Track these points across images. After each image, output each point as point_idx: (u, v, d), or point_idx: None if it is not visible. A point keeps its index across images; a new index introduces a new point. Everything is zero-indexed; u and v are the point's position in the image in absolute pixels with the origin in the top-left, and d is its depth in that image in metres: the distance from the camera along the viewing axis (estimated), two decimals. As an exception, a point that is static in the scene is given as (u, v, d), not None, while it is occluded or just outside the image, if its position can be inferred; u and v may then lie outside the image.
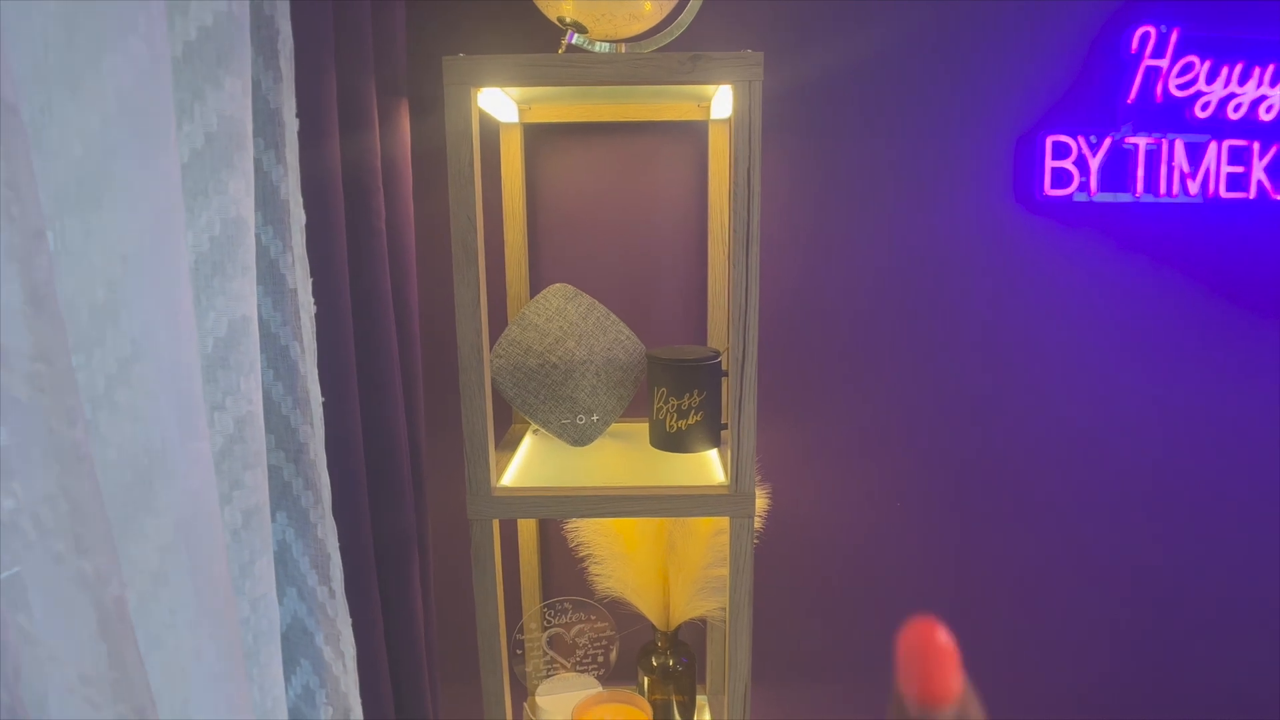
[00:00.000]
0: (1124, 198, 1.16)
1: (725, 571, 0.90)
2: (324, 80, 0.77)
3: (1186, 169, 1.15)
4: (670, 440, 0.99)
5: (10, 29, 0.41)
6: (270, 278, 0.71)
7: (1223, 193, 1.16)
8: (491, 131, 1.11)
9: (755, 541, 0.90)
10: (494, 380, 1.01)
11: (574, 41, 0.91)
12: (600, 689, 1.13)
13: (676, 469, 0.97)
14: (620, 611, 1.15)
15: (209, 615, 0.52)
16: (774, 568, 1.26)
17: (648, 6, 0.90)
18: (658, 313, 1.20)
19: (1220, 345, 1.22)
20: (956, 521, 1.26)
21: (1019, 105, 1.15)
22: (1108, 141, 1.14)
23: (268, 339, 0.72)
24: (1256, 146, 1.15)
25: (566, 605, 1.16)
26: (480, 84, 0.81)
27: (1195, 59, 1.12)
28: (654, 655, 1.13)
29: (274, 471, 0.73)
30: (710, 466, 0.98)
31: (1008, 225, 1.18)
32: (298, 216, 0.72)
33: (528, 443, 1.10)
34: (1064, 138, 1.14)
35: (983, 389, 1.22)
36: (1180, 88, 1.13)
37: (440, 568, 1.18)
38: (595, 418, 1.03)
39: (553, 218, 1.18)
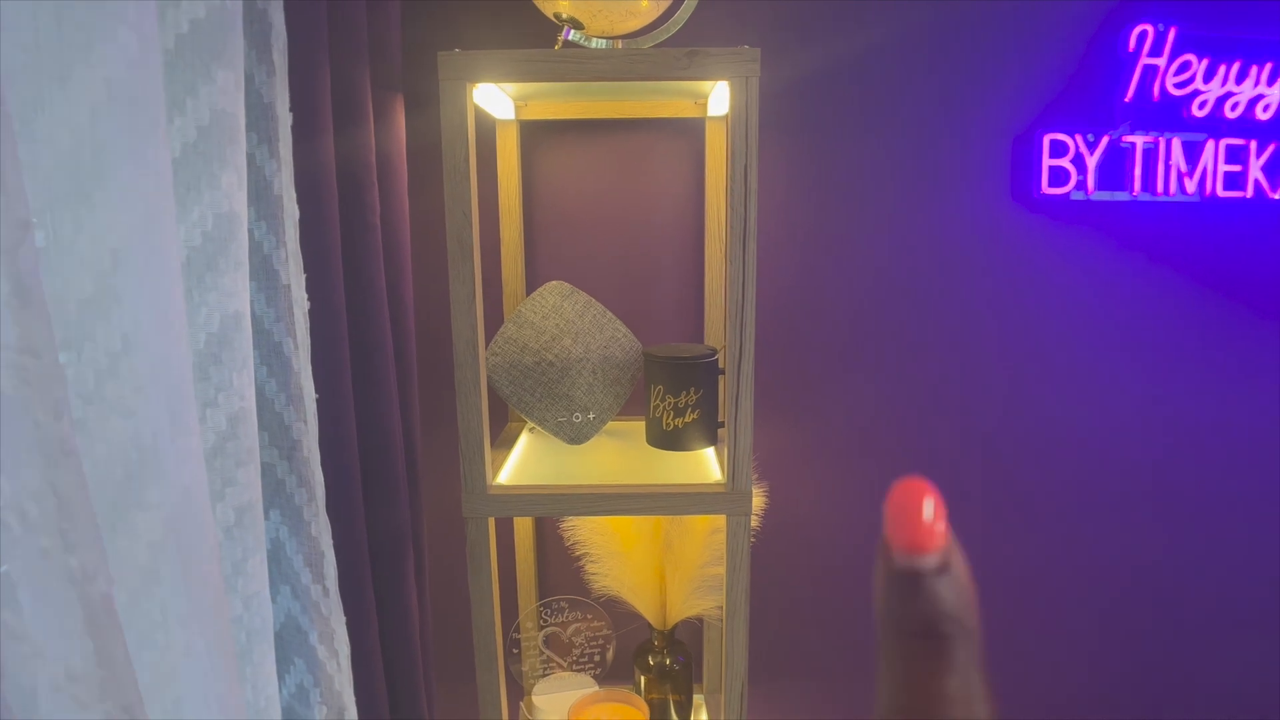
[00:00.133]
0: (1121, 196, 1.16)
1: (722, 570, 0.90)
2: (318, 74, 0.76)
3: (1184, 168, 1.15)
4: (667, 438, 0.98)
5: (-2, 18, 0.41)
6: (263, 273, 0.70)
7: (1220, 191, 1.15)
8: (488, 128, 1.11)
9: (752, 540, 0.90)
10: (490, 378, 1.01)
11: (570, 38, 0.91)
12: (597, 688, 1.13)
13: (673, 467, 0.97)
14: (617, 610, 1.15)
15: (200, 613, 0.52)
16: (771, 566, 1.26)
17: (644, 3, 0.89)
18: (654, 310, 1.20)
19: (1217, 344, 1.22)
20: (953, 518, 1.26)
21: (1016, 103, 1.15)
22: (1105, 140, 1.14)
23: (261, 335, 0.71)
24: (1253, 145, 1.15)
25: (563, 604, 1.16)
26: (476, 79, 0.81)
27: (1193, 58, 1.12)
28: (651, 654, 1.13)
29: (267, 469, 0.73)
30: (707, 465, 0.97)
31: (1005, 223, 1.18)
32: (291, 212, 0.72)
33: (524, 441, 1.10)
34: (1061, 136, 1.13)
35: (980, 387, 1.22)
36: (1177, 86, 1.13)
37: (436, 566, 1.18)
38: (592, 416, 1.03)
39: (549, 215, 1.18)
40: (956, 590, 0.24)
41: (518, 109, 1.10)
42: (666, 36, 0.92)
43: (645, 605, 1.12)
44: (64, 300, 0.46)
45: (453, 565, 1.24)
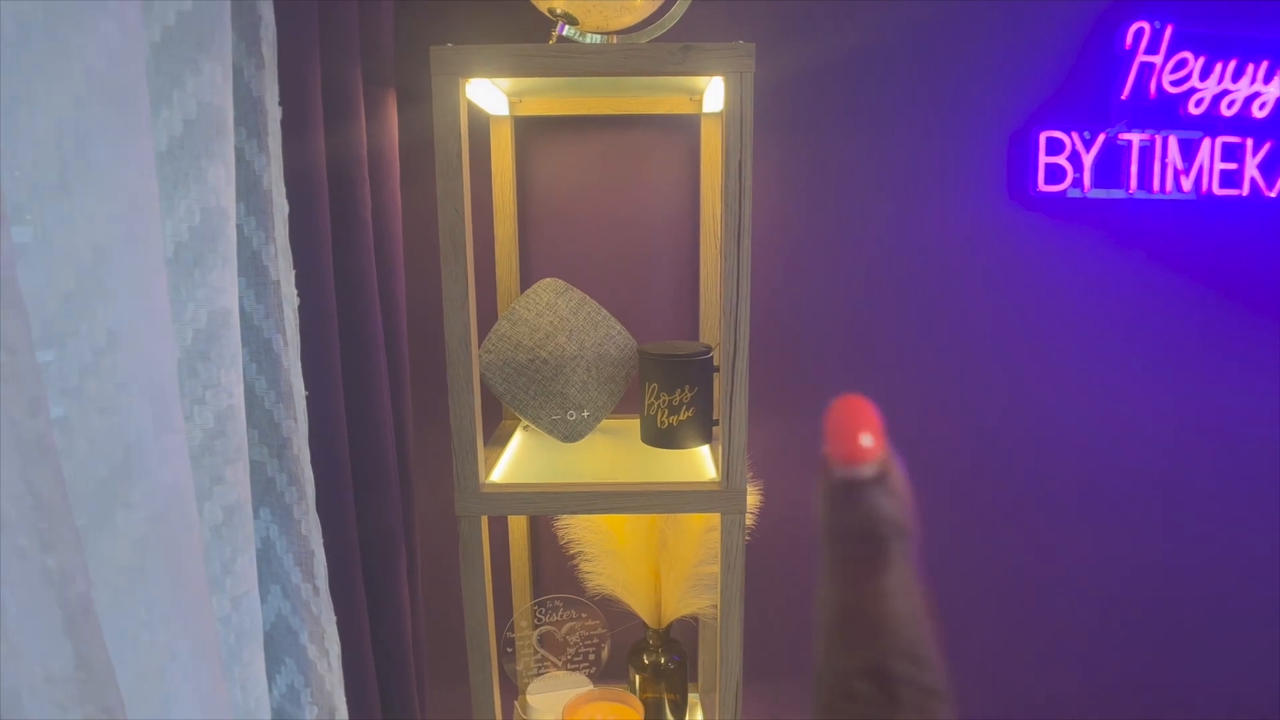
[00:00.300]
0: (1117, 194, 1.15)
1: (717, 569, 0.89)
2: (308, 68, 0.75)
3: (1180, 165, 1.15)
4: (661, 436, 0.98)
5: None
6: (252, 269, 0.70)
7: (1216, 189, 1.15)
8: (482, 124, 1.10)
9: (747, 538, 0.90)
10: (483, 375, 1.00)
11: (565, 33, 0.90)
12: (591, 687, 1.12)
13: (668, 465, 0.96)
14: (611, 609, 1.14)
15: (185, 613, 0.51)
16: (766, 564, 1.25)
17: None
18: (649, 308, 1.19)
19: (1213, 341, 1.21)
20: (950, 516, 1.26)
21: (1013, 101, 1.14)
22: (1101, 137, 1.13)
23: (250, 331, 0.70)
24: (1250, 143, 1.15)
25: (557, 603, 1.15)
26: (469, 74, 0.80)
27: (1189, 55, 1.12)
28: (645, 653, 1.13)
29: (256, 467, 0.72)
30: (701, 463, 0.97)
31: (1001, 221, 1.17)
32: (281, 207, 0.71)
33: (518, 439, 1.09)
34: (1058, 133, 1.13)
35: (976, 384, 1.22)
36: (1174, 84, 1.12)
37: (429, 565, 1.17)
38: (586, 414, 1.02)
39: (543, 212, 1.17)
40: (892, 497, 0.26)
41: (512, 105, 1.10)
42: (661, 33, 0.91)
43: (640, 604, 1.11)
44: (45, 295, 0.45)
45: (446, 564, 1.23)
